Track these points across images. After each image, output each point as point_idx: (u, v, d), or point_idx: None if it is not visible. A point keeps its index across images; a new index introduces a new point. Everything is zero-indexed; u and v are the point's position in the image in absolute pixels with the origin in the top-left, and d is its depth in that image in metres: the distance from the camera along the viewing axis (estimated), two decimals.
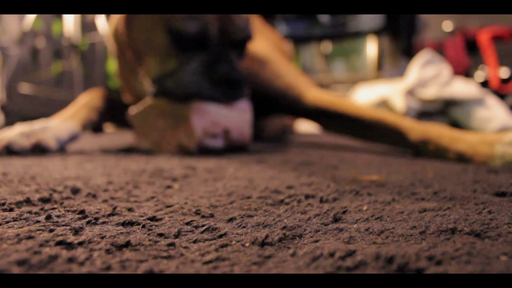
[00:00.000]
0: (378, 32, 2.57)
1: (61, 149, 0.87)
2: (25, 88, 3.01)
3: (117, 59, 1.04)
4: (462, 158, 0.74)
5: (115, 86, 1.11)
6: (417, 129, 0.83)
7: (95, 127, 1.00)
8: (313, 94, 1.04)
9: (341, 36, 2.61)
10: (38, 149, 0.82)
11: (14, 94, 2.93)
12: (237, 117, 0.86)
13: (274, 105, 1.09)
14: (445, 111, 1.88)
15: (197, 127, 0.81)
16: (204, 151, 0.84)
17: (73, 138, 0.90)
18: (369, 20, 2.41)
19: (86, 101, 0.99)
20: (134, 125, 0.90)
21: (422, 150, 0.82)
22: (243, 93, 0.88)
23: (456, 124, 1.86)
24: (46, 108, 3.11)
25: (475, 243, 0.28)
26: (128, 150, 0.91)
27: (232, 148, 0.88)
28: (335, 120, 0.99)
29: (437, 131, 0.80)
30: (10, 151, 0.79)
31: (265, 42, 1.21)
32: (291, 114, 1.12)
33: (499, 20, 3.45)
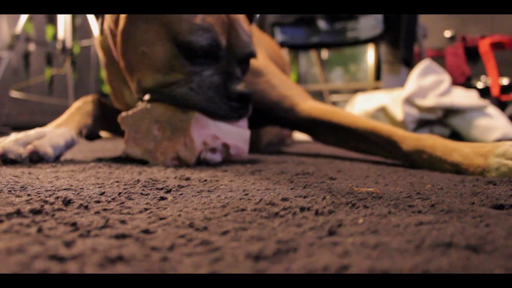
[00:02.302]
0: (376, 40, 2.57)
1: (58, 157, 0.86)
2: (16, 92, 3.00)
3: (106, 67, 1.03)
4: (457, 170, 0.74)
5: (108, 91, 1.10)
6: (411, 139, 0.83)
7: (89, 133, 0.99)
8: (307, 105, 1.04)
9: (339, 44, 2.60)
10: (35, 157, 0.80)
11: (5, 99, 2.92)
12: (236, 133, 0.85)
13: (268, 116, 1.09)
14: (444, 120, 1.88)
15: (197, 139, 0.81)
16: (201, 163, 0.83)
17: (69, 145, 0.89)
18: (368, 28, 2.40)
19: (80, 107, 0.98)
20: (125, 130, 0.87)
21: (416, 160, 0.81)
22: (249, 110, 0.87)
23: (456, 134, 1.86)
24: (38, 113, 3.11)
25: (471, 258, 0.27)
26: (121, 160, 0.90)
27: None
28: (328, 131, 0.99)
29: (431, 142, 0.80)
30: (5, 160, 0.78)
31: (259, 51, 1.21)
32: (285, 125, 1.12)
33: (498, 28, 3.47)
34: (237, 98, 0.83)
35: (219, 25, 0.83)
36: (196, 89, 0.82)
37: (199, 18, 0.81)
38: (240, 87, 0.83)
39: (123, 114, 0.87)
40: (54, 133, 0.86)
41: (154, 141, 0.84)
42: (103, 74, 1.08)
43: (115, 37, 0.89)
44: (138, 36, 0.84)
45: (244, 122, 0.88)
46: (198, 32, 0.81)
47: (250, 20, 1.03)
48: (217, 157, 0.84)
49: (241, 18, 0.89)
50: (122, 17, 0.87)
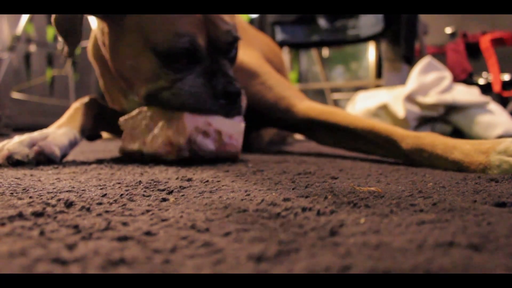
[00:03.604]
0: (377, 38, 2.56)
1: (63, 156, 0.86)
2: (17, 93, 2.99)
3: (102, 76, 1.04)
4: (458, 167, 0.73)
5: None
6: (410, 137, 0.82)
7: (89, 134, 0.99)
8: (304, 106, 1.03)
9: (340, 42, 2.59)
10: (42, 158, 0.80)
11: (6, 100, 2.91)
12: (231, 123, 0.85)
13: (265, 118, 1.09)
14: (446, 117, 1.88)
15: (189, 124, 0.81)
16: (195, 153, 0.83)
17: (73, 144, 0.89)
18: (369, 26, 2.39)
19: (78, 108, 0.98)
20: (124, 129, 0.88)
21: (416, 159, 0.81)
22: (241, 108, 0.88)
23: (458, 131, 1.86)
24: (39, 114, 3.10)
25: (473, 257, 0.27)
26: (122, 161, 0.90)
27: (224, 158, 0.87)
28: (326, 131, 0.99)
29: (431, 140, 0.79)
30: (11, 161, 0.78)
31: (254, 52, 1.20)
32: (282, 126, 1.12)
33: (499, 24, 3.46)
34: (223, 96, 0.83)
35: (194, 24, 0.83)
36: (178, 93, 0.83)
37: (173, 24, 0.81)
38: (228, 83, 0.84)
39: (125, 117, 0.88)
40: (57, 133, 0.86)
41: (150, 133, 0.85)
42: (100, 82, 1.08)
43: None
44: (122, 50, 0.86)
45: (239, 118, 0.88)
46: (174, 38, 0.81)
47: None
48: (209, 144, 0.83)
49: None
50: (106, 32, 0.89)
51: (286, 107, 1.05)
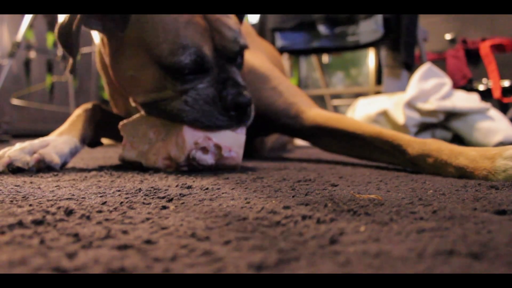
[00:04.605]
0: (377, 44, 2.56)
1: (63, 165, 0.86)
2: (17, 100, 3.00)
3: (108, 84, 1.04)
4: (463, 173, 0.73)
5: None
6: (417, 143, 0.82)
7: (91, 141, 0.99)
8: (313, 112, 1.03)
9: (340, 48, 2.59)
10: (42, 165, 0.80)
11: (6, 107, 2.91)
12: (231, 136, 0.84)
13: (273, 124, 1.08)
14: (446, 124, 1.88)
15: (188, 139, 0.80)
16: (193, 167, 0.83)
17: (74, 152, 0.89)
18: (369, 32, 2.39)
19: (81, 114, 0.98)
20: (124, 135, 0.88)
21: (421, 165, 0.81)
22: (250, 118, 0.87)
23: (458, 137, 1.85)
24: (39, 120, 3.10)
25: (473, 265, 0.27)
26: (122, 168, 0.90)
27: (224, 167, 0.86)
28: (333, 138, 0.99)
29: (437, 145, 0.79)
30: (12, 168, 0.78)
31: (263, 57, 1.20)
32: (290, 133, 1.11)
33: (499, 30, 3.47)
34: (233, 107, 0.83)
35: (200, 35, 0.82)
36: (191, 103, 0.82)
37: (177, 36, 0.80)
38: (238, 94, 0.83)
39: (124, 121, 0.88)
40: (57, 141, 0.86)
41: (149, 143, 0.84)
42: (105, 89, 1.08)
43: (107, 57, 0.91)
44: (124, 61, 0.85)
45: (242, 129, 0.87)
46: (179, 51, 0.80)
47: (239, 20, 1.02)
48: (209, 159, 0.83)
49: (223, 16, 0.87)
50: (105, 43, 0.89)
51: (296, 113, 1.05)
